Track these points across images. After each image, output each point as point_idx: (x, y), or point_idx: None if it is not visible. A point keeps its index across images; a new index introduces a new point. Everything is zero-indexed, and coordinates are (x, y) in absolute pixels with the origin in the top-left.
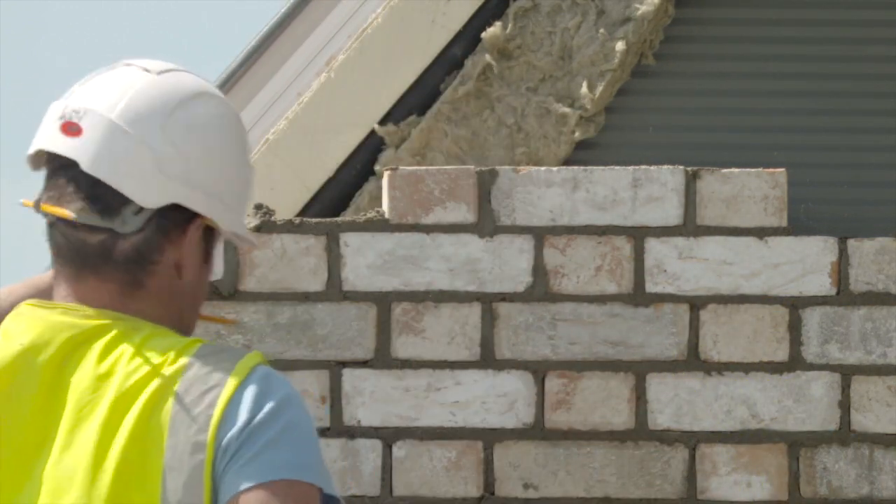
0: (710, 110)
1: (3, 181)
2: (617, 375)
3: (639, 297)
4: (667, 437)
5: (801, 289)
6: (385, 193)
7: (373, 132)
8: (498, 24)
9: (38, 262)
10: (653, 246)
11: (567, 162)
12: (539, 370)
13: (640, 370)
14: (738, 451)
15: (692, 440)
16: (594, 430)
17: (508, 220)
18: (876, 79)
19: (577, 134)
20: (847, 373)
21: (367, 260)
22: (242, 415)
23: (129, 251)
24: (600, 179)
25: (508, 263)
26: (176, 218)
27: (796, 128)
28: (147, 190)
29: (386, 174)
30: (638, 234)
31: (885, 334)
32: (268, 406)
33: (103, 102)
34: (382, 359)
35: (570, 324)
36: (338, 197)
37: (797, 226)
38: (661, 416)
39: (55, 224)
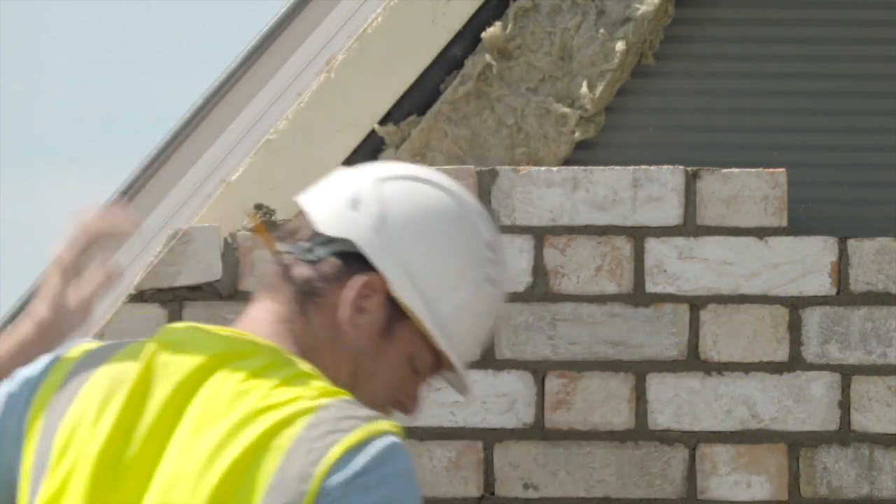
0: (710, 110)
1: (3, 181)
2: (617, 375)
3: (639, 297)
4: (667, 437)
5: (801, 289)
6: None
7: (373, 132)
8: (498, 24)
9: (37, 261)
10: (653, 246)
11: (567, 162)
12: (539, 370)
13: (640, 370)
14: (738, 451)
15: (692, 440)
16: (594, 430)
17: (508, 220)
18: (876, 79)
19: (577, 134)
20: (847, 373)
21: None
22: (355, 467)
23: (303, 276)
24: (600, 179)
25: (508, 263)
26: (363, 270)
27: (796, 128)
28: (330, 223)
29: None
30: (638, 234)
31: (885, 334)
32: (381, 471)
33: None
34: None
35: (570, 324)
36: None
37: (797, 226)
38: (661, 416)
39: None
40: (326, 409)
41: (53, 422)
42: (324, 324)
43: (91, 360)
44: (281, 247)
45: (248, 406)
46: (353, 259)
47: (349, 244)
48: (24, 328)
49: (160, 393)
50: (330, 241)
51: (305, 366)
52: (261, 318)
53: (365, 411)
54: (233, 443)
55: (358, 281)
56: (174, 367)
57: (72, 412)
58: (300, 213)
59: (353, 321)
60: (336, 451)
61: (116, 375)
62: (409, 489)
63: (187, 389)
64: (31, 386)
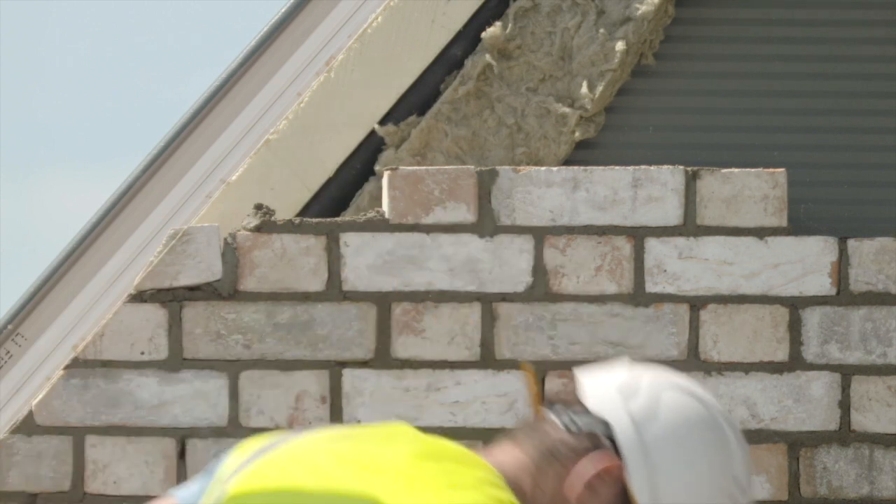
0: (710, 110)
1: (2, 180)
2: None
3: (639, 297)
4: None
5: (801, 289)
6: (385, 193)
7: (373, 132)
8: (498, 24)
9: (37, 261)
10: (653, 246)
11: (567, 162)
12: (539, 370)
13: None
14: None
15: None
16: None
17: (508, 220)
18: (876, 79)
19: (577, 134)
20: (847, 373)
21: (367, 260)
22: None
23: (555, 443)
24: (600, 179)
25: (508, 263)
26: (611, 458)
27: (796, 128)
28: (608, 415)
29: (386, 174)
30: (638, 234)
31: (885, 334)
32: None
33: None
34: (382, 359)
35: (570, 324)
36: (338, 197)
37: (797, 226)
38: None
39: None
40: None
41: None
42: (552, 488)
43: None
44: (548, 408)
45: None
46: (603, 442)
47: (607, 428)
48: None
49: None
50: (590, 416)
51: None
52: (501, 460)
53: None
54: None
55: (602, 462)
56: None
57: None
58: (576, 384)
59: (581, 498)
60: None
61: None
62: None
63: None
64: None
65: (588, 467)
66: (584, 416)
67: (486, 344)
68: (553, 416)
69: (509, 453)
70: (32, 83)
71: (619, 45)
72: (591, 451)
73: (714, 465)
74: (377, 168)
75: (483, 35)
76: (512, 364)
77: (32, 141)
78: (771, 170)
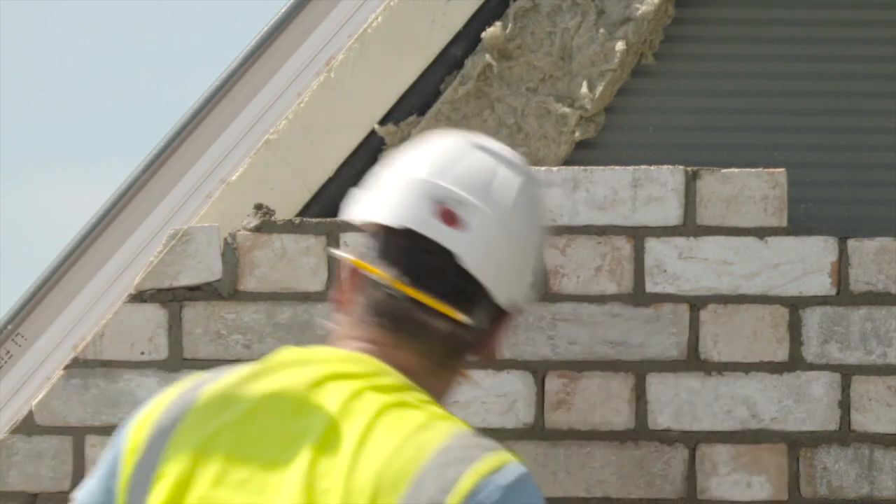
0: (710, 110)
1: (2, 180)
2: (617, 375)
3: (639, 297)
4: (667, 437)
5: (801, 289)
6: None
7: (373, 132)
8: (498, 24)
9: (36, 261)
10: (653, 246)
11: (567, 162)
12: (539, 370)
13: (640, 370)
14: (738, 451)
15: (692, 440)
16: (594, 430)
17: None
18: (876, 79)
19: (577, 134)
20: (847, 373)
21: None
22: (491, 498)
23: (469, 342)
24: (600, 179)
25: None
26: (505, 302)
27: (796, 128)
28: (509, 290)
29: None
30: (638, 234)
31: (885, 334)
32: (515, 500)
33: (483, 197)
34: None
35: (570, 324)
36: (338, 197)
37: (797, 226)
38: (661, 416)
39: (395, 295)
40: (453, 438)
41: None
42: (458, 365)
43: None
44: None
45: (375, 432)
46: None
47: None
48: None
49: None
50: (493, 307)
51: (425, 395)
52: (405, 367)
53: (486, 441)
54: (361, 469)
55: (502, 324)
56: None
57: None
58: None
59: (490, 353)
60: (467, 483)
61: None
62: None
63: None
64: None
65: (494, 331)
66: (481, 304)
67: None
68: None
69: (412, 363)
70: (32, 83)
71: (619, 45)
72: (494, 320)
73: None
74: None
75: (483, 35)
76: (512, 364)
77: (32, 141)
78: (771, 170)
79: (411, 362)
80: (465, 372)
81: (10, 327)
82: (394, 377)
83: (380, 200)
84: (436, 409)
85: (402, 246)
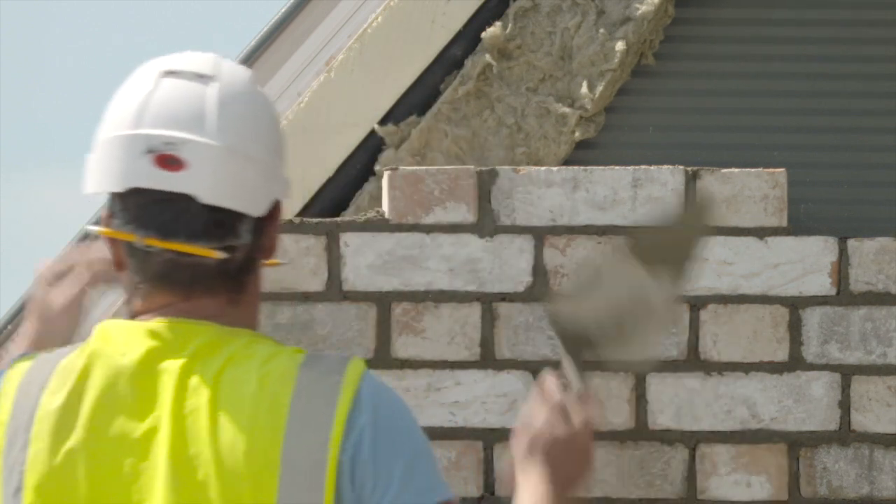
0: (710, 110)
1: (2, 180)
2: (617, 375)
3: None
4: (667, 437)
5: (801, 289)
6: (385, 193)
7: (373, 132)
8: (498, 24)
9: (34, 260)
10: None
11: (567, 162)
12: (539, 370)
13: (640, 370)
14: (738, 451)
15: (692, 440)
16: (594, 430)
17: (508, 220)
18: (876, 79)
19: (577, 134)
20: (847, 373)
21: (367, 260)
22: (367, 430)
23: (241, 260)
24: (600, 179)
25: (508, 263)
26: (265, 210)
27: (796, 128)
28: (258, 200)
29: (386, 174)
30: None
31: (885, 334)
32: (392, 423)
33: (190, 127)
34: (382, 359)
35: None
36: (338, 197)
37: (797, 226)
38: (661, 416)
39: (156, 252)
40: (301, 377)
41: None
42: (254, 281)
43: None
44: (214, 247)
45: (222, 396)
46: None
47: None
48: (18, 347)
49: (122, 403)
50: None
51: (245, 333)
52: (213, 314)
53: (329, 361)
54: (225, 441)
55: (273, 222)
56: (125, 374)
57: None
58: None
59: (273, 252)
60: (340, 415)
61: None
62: (411, 419)
63: (144, 393)
64: None
65: (268, 231)
66: (242, 222)
67: (486, 344)
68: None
69: (211, 307)
70: (32, 83)
71: (619, 45)
72: (259, 227)
73: (278, 118)
74: (377, 168)
75: (483, 35)
76: (512, 364)
77: (32, 141)
78: (771, 170)
79: (209, 307)
80: (268, 263)
81: (10, 327)
82: (205, 334)
83: (102, 167)
84: (262, 347)
85: (140, 203)
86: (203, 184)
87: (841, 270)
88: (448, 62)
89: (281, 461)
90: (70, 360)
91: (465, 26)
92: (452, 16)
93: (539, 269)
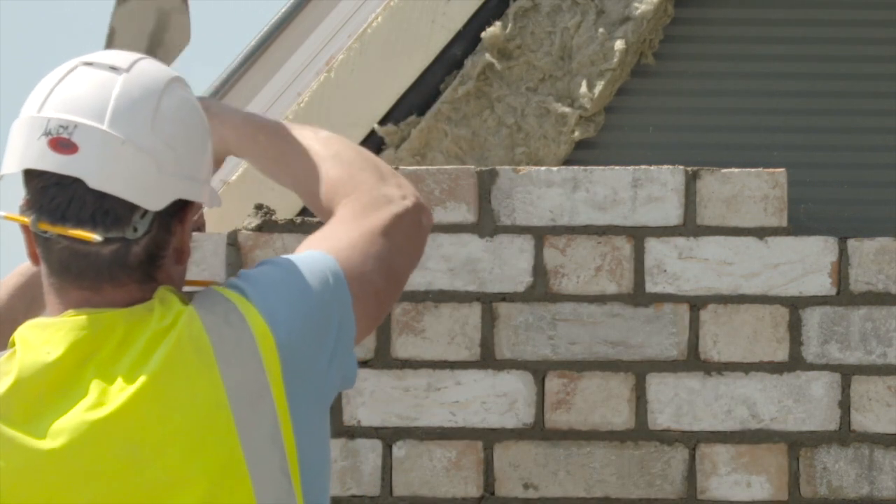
0: (710, 110)
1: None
2: (617, 375)
3: (639, 297)
4: (667, 437)
5: (801, 289)
6: None
7: (373, 132)
8: (498, 24)
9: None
10: (653, 246)
11: (567, 162)
12: (539, 370)
13: (640, 370)
14: (738, 451)
15: (692, 440)
16: (594, 430)
17: (508, 220)
18: (876, 79)
19: (576, 134)
20: (847, 373)
21: None
22: (279, 313)
23: (142, 254)
24: (600, 179)
25: (508, 263)
26: (173, 210)
27: (796, 128)
28: (153, 194)
29: None
30: (638, 234)
31: (885, 334)
32: (266, 268)
33: (88, 113)
34: (382, 359)
35: (570, 324)
36: None
37: (797, 226)
38: (661, 416)
39: (54, 240)
40: (205, 321)
41: None
42: (164, 274)
43: None
44: (106, 235)
45: (152, 368)
46: (165, 209)
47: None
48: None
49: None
50: (147, 212)
51: (153, 304)
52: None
53: (210, 294)
54: (168, 411)
55: (182, 224)
56: (56, 370)
57: None
58: None
59: (185, 256)
60: (249, 312)
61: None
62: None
63: (69, 385)
64: None
65: (177, 232)
66: (135, 213)
67: (486, 344)
68: (110, 237)
69: (118, 296)
70: (32, 83)
71: (619, 45)
72: (164, 224)
73: (199, 119)
74: None
75: (483, 35)
76: (512, 364)
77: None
78: (771, 170)
79: (117, 297)
80: (199, 281)
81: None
82: (120, 319)
83: (8, 149)
84: (167, 312)
85: (38, 187)
86: (91, 168)
87: (841, 270)
88: (448, 62)
89: (231, 407)
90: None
91: (465, 26)
92: (452, 16)
93: (539, 269)
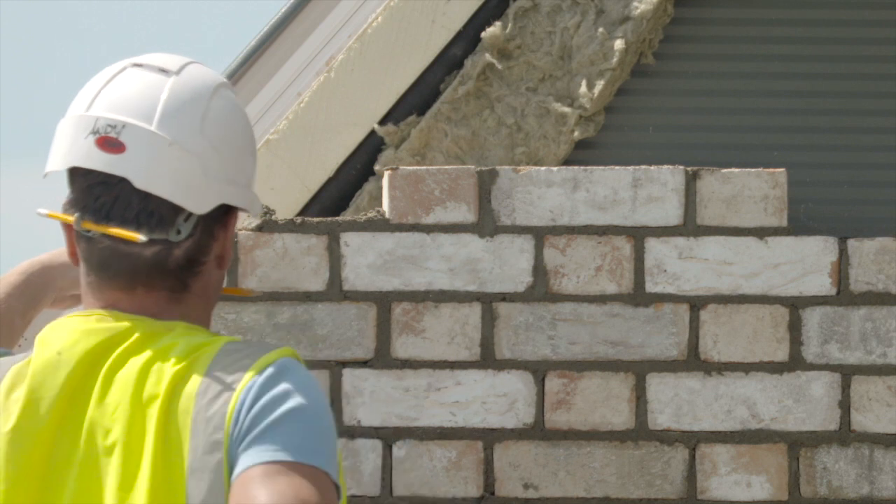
0: (710, 110)
1: (3, 180)
2: (617, 375)
3: (639, 297)
4: (667, 437)
5: (801, 289)
6: (385, 193)
7: (373, 132)
8: (498, 24)
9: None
10: (653, 246)
11: (567, 162)
12: (539, 370)
13: (640, 370)
14: (738, 451)
15: (692, 440)
16: (594, 430)
17: (508, 220)
18: (876, 79)
19: (576, 134)
20: (847, 373)
21: (367, 260)
22: (249, 400)
23: (181, 258)
24: (600, 179)
25: (508, 263)
26: (217, 215)
27: (796, 128)
28: (198, 197)
29: (386, 174)
30: (638, 234)
31: (885, 334)
32: (277, 388)
33: (136, 113)
34: (382, 359)
35: (570, 324)
36: (338, 197)
37: (797, 226)
38: (661, 416)
39: (97, 239)
40: (210, 371)
41: None
42: (200, 282)
43: None
44: (150, 236)
45: (142, 396)
46: (209, 213)
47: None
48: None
49: (49, 398)
50: (191, 215)
51: (179, 326)
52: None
53: (248, 350)
54: (139, 444)
55: (226, 230)
56: (57, 370)
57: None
58: None
59: (226, 262)
60: (231, 407)
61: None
62: (311, 396)
63: (72, 390)
64: None
65: (220, 238)
66: (179, 216)
67: (486, 344)
68: (153, 238)
69: (149, 300)
70: (33, 83)
71: (619, 44)
72: (207, 229)
73: (246, 125)
74: (377, 168)
75: (483, 35)
76: (512, 364)
77: (33, 140)
78: (771, 170)
79: (146, 302)
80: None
81: None
82: (137, 328)
83: (55, 148)
84: (193, 338)
85: (83, 185)
86: (138, 168)
87: (841, 270)
88: (448, 62)
89: (187, 468)
90: (21, 366)
91: (465, 26)
92: (452, 16)
93: (539, 269)
